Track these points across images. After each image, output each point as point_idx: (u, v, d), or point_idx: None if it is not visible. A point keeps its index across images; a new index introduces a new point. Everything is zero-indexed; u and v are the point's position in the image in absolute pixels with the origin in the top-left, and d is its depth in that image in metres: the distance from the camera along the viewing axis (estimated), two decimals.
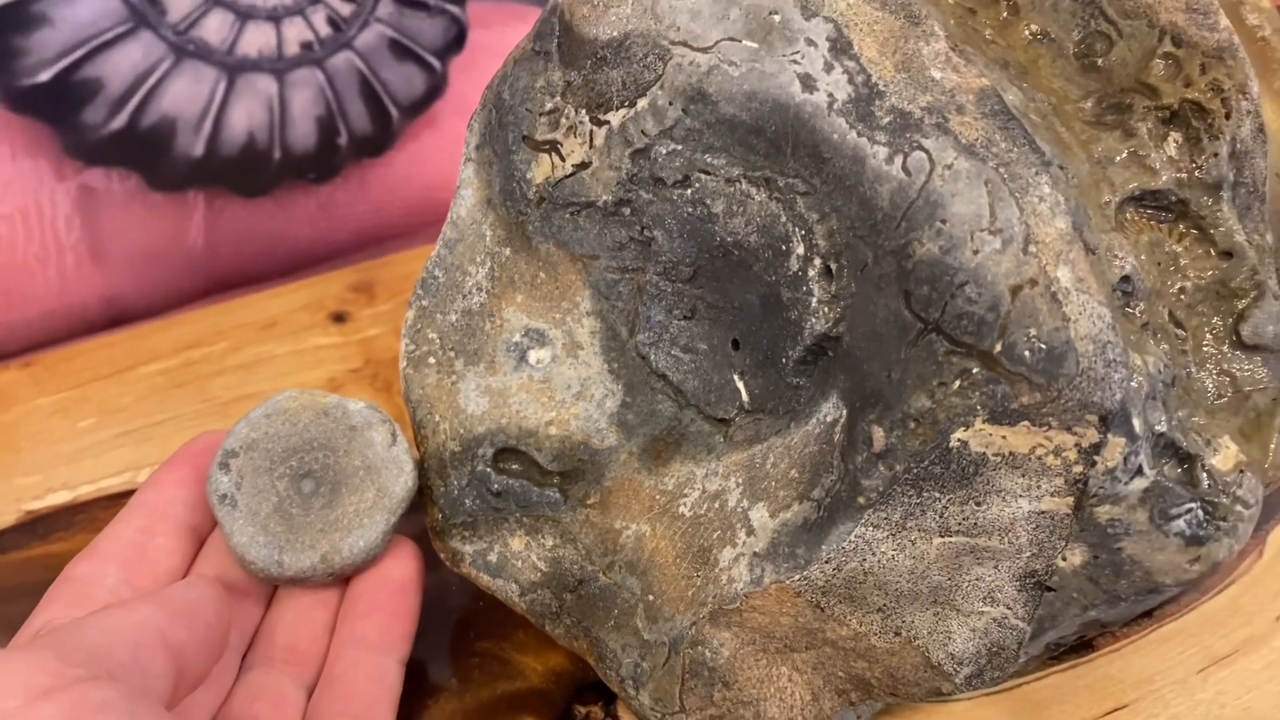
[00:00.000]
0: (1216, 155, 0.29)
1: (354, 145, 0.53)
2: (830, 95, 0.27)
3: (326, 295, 0.50)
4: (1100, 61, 0.31)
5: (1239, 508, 0.26)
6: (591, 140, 0.31)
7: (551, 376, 0.33)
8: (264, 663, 0.32)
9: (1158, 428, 0.26)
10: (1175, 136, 0.30)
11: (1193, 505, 0.26)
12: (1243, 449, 0.27)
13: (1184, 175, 0.29)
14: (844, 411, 0.28)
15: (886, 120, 0.26)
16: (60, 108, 0.46)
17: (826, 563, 0.27)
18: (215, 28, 0.48)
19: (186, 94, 0.48)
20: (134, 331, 0.49)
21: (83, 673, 0.22)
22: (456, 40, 0.53)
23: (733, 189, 0.29)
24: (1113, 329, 0.24)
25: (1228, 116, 0.29)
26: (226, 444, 0.33)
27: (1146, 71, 0.30)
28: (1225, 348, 0.29)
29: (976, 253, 0.25)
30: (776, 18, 0.28)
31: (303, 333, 0.48)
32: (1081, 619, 0.28)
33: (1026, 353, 0.24)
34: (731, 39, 0.29)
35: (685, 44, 0.29)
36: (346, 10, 0.50)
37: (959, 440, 0.25)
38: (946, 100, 0.26)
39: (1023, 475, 0.25)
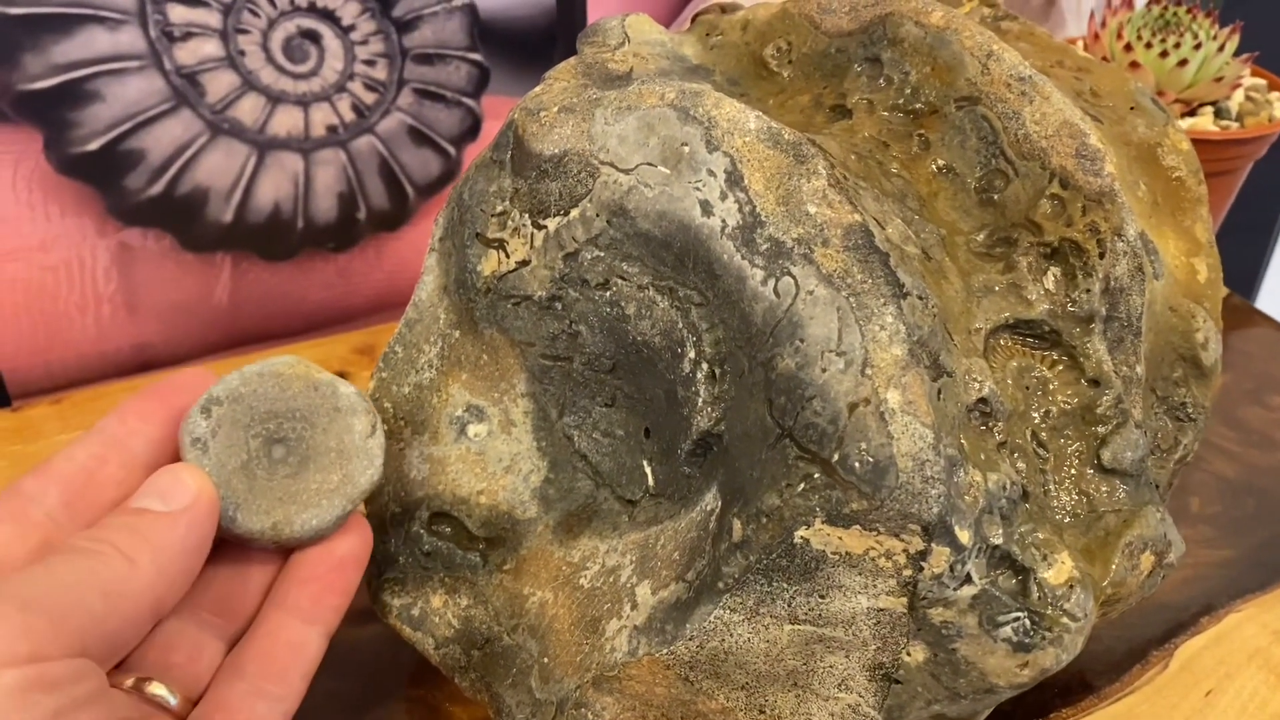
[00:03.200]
0: (1089, 291, 0.32)
1: (372, 219, 0.57)
2: (724, 220, 0.30)
3: (333, 355, 0.55)
4: (997, 197, 0.34)
5: (1066, 620, 0.29)
6: (532, 241, 0.35)
7: (486, 450, 0.36)
8: (190, 610, 0.32)
9: (993, 540, 0.28)
10: (1054, 271, 0.32)
11: (1020, 614, 0.29)
12: (1081, 565, 0.29)
13: (1058, 307, 0.32)
14: (719, 502, 0.30)
15: (765, 247, 0.29)
16: (105, 174, 0.52)
17: (691, 639, 0.30)
18: (249, 109, 0.53)
19: (220, 166, 0.53)
20: (155, 377, 0.53)
21: (49, 640, 0.24)
22: (471, 129, 0.58)
23: (643, 295, 0.33)
24: (934, 448, 0.27)
25: (1101, 256, 0.32)
26: (214, 390, 0.33)
27: (1035, 209, 0.33)
28: (1087, 470, 0.31)
29: (824, 371, 0.27)
30: (686, 149, 0.31)
31: None
32: (928, 712, 0.30)
33: (857, 464, 0.27)
34: (649, 164, 0.32)
35: (612, 164, 0.33)
36: (370, 99, 0.54)
37: (802, 537, 0.28)
38: (815, 233, 0.29)
39: (859, 574, 0.28)
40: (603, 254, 0.33)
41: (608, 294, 0.34)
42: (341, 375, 0.54)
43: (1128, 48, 0.53)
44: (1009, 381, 0.31)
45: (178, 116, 0.52)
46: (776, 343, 0.29)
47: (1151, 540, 0.31)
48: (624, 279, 0.33)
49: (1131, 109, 0.39)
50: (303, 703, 0.33)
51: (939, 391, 0.29)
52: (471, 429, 0.37)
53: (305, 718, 0.33)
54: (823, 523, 0.27)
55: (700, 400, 0.31)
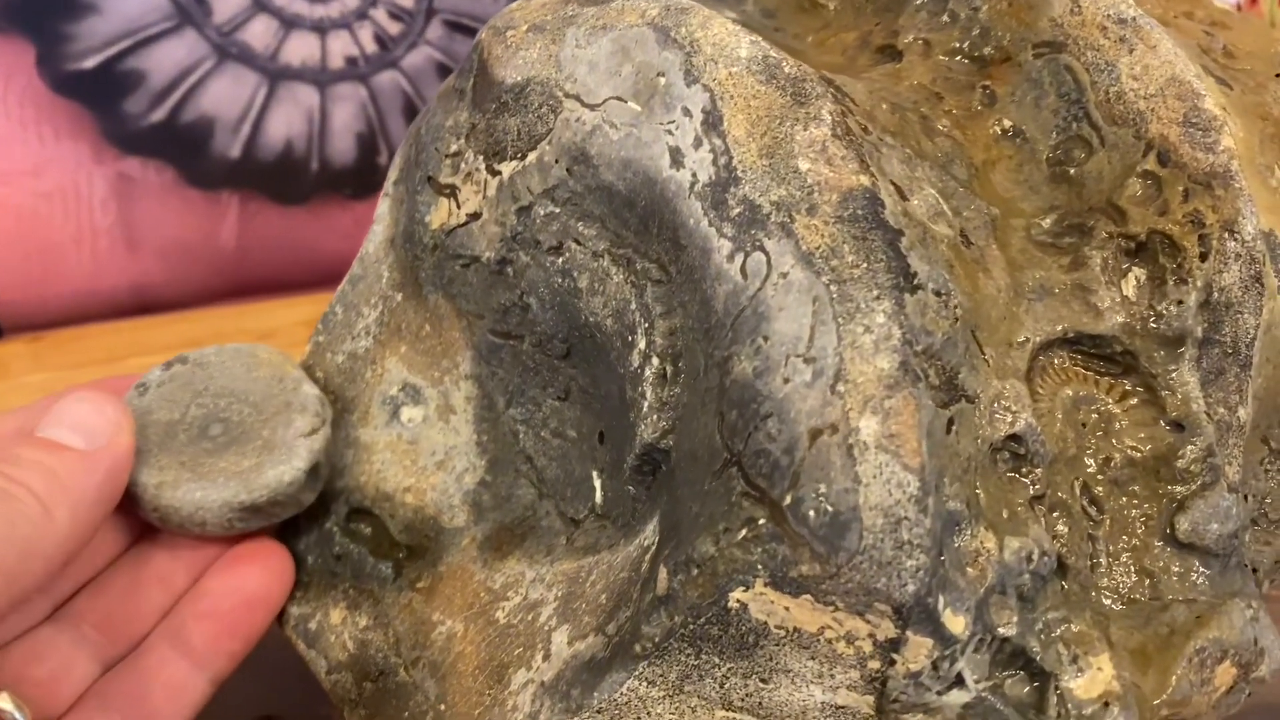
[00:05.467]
0: (1182, 303, 0.24)
1: None
2: (694, 175, 0.23)
3: None
4: (1074, 171, 0.26)
5: None
6: (485, 189, 0.29)
7: (419, 438, 0.30)
8: (70, 620, 0.29)
9: (1002, 629, 0.21)
10: (1137, 273, 0.24)
11: None
12: (1126, 673, 0.22)
13: (1137, 322, 0.24)
14: (658, 539, 0.24)
15: (737, 211, 0.22)
16: (103, 95, 0.47)
17: (599, 712, 0.23)
18: (259, 33, 0.48)
19: (227, 95, 0.48)
20: (139, 323, 0.49)
21: None
22: None
23: (597, 264, 0.26)
24: (917, 503, 0.19)
25: (1204, 257, 0.24)
26: (186, 354, 0.31)
27: (1121, 191, 0.25)
28: (1154, 541, 0.23)
29: (787, 381, 0.20)
30: (662, 80, 0.24)
31: (294, 347, 0.47)
32: None
33: (811, 513, 0.19)
34: (619, 98, 0.25)
35: (578, 98, 0.26)
36: (395, 30, 0.49)
37: (738, 601, 0.21)
38: (802, 197, 0.22)
39: (812, 658, 0.21)
40: (559, 210, 0.27)
41: (560, 260, 0.27)
42: None
43: None
44: (1058, 415, 0.23)
45: (181, 37, 0.47)
46: (736, 338, 0.22)
47: (1235, 646, 0.23)
48: (579, 243, 0.26)
49: (1278, 75, 0.31)
50: None
51: (950, 422, 0.21)
52: (405, 412, 0.31)
53: None
54: (766, 585, 0.20)
55: (646, 405, 0.24)
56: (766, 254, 0.22)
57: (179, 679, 0.28)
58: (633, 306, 0.25)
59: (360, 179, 0.52)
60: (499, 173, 0.28)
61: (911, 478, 0.19)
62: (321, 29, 0.48)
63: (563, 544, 0.27)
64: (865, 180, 0.22)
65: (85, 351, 0.47)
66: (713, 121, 0.23)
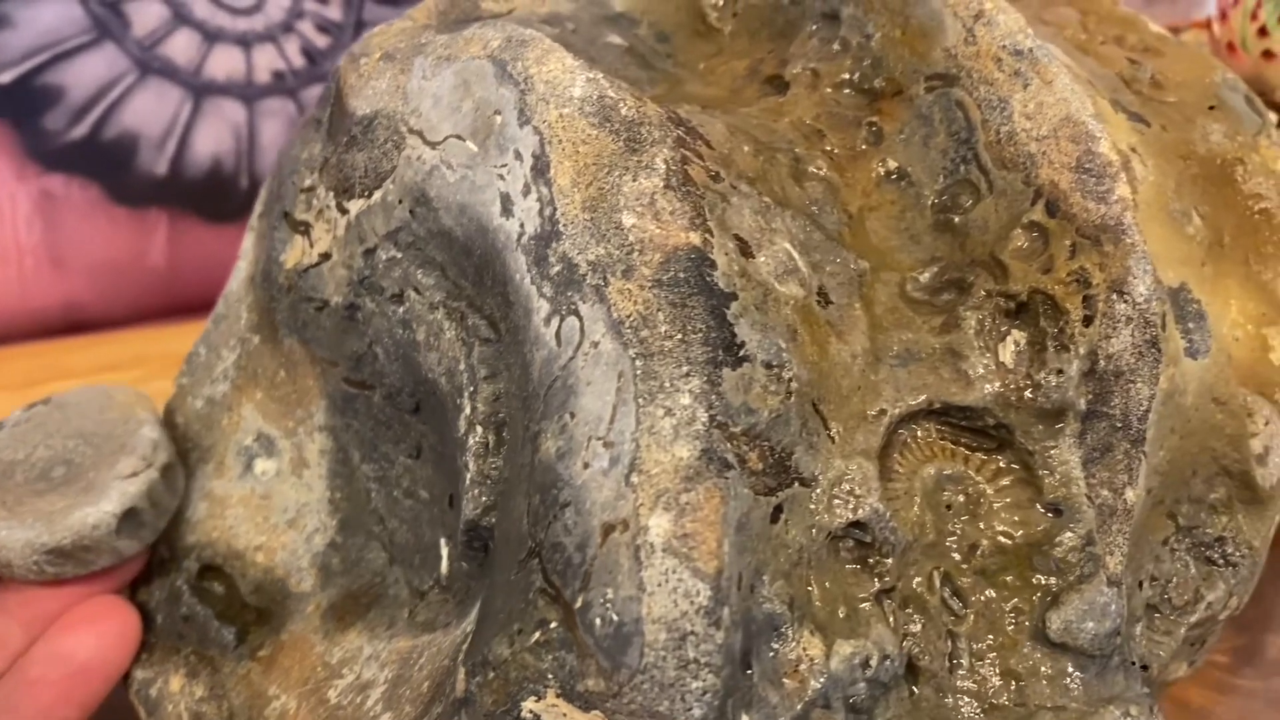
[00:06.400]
0: (1062, 372, 0.21)
1: None
2: (521, 225, 0.21)
3: None
4: (958, 219, 0.23)
5: None
6: (335, 229, 0.27)
7: (273, 493, 0.28)
8: None
9: None
10: (1016, 338, 0.22)
11: None
12: None
13: (1013, 393, 0.21)
14: (474, 628, 0.22)
15: (556, 270, 0.20)
16: (21, 110, 0.46)
17: None
18: (182, 47, 0.46)
19: (150, 111, 0.47)
20: (60, 345, 0.47)
21: None
22: None
23: (433, 317, 0.24)
24: (708, 615, 0.17)
25: (1087, 321, 0.21)
26: (55, 394, 0.30)
27: (1005, 243, 0.23)
28: (1023, 639, 0.21)
29: (587, 467, 0.18)
30: (498, 119, 0.22)
31: None
32: None
33: (598, 620, 0.17)
34: (458, 136, 0.23)
35: (420, 134, 0.24)
36: (322, 43, 0.47)
37: (531, 712, 0.18)
38: (620, 256, 0.19)
39: None
40: (400, 255, 0.25)
41: (401, 310, 0.25)
42: None
43: (1263, 32, 0.41)
44: (916, 497, 0.21)
45: (100, 51, 0.45)
46: (546, 413, 0.19)
47: None
48: (418, 292, 0.24)
49: (1210, 109, 0.28)
50: None
51: (776, 510, 0.19)
52: (259, 464, 0.29)
53: None
54: (558, 696, 0.18)
55: (469, 478, 0.22)
56: (580, 320, 0.19)
57: None
58: (461, 367, 0.23)
59: None
60: (347, 211, 0.26)
61: (703, 586, 0.17)
62: (246, 42, 0.46)
63: (405, 617, 0.25)
64: (695, 238, 0.20)
65: (2, 375, 0.46)
66: (540, 168, 0.21)
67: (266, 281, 0.28)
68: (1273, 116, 0.41)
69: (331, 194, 0.27)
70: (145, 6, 0.44)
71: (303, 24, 0.46)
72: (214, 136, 0.48)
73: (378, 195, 0.25)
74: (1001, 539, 0.21)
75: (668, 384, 0.18)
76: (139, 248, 0.50)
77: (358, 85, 0.26)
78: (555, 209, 0.20)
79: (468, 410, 0.22)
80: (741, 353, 0.19)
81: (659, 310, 0.19)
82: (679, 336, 0.19)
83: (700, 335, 0.19)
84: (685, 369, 0.18)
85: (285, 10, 0.46)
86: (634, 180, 0.20)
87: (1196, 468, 0.24)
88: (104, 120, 0.46)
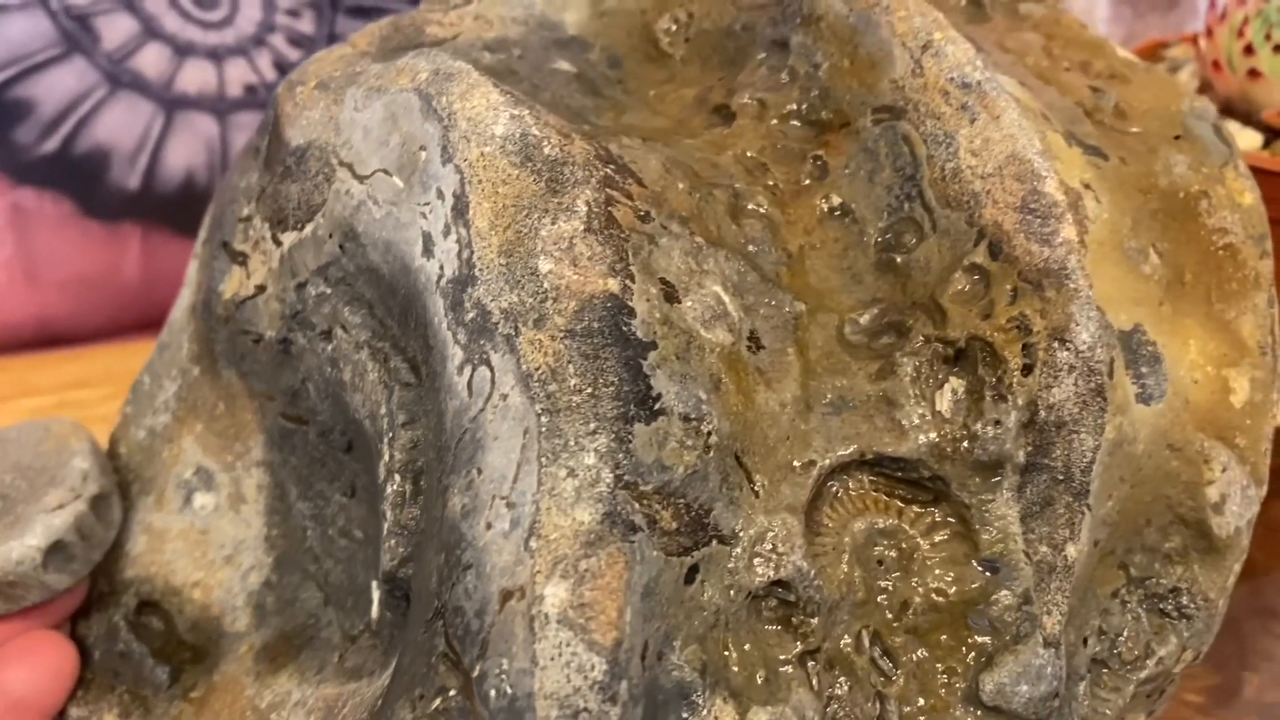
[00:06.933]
0: (1000, 423, 0.20)
1: None
2: (441, 267, 0.21)
3: None
4: (900, 259, 0.23)
5: None
6: (270, 260, 0.26)
7: (211, 528, 0.28)
8: None
9: None
10: (955, 386, 0.21)
11: None
12: None
13: (949, 444, 0.21)
14: (389, 683, 0.21)
15: (471, 316, 0.19)
16: None
17: None
18: (152, 61, 0.45)
19: (122, 125, 0.46)
20: (27, 361, 0.47)
21: None
22: None
23: (358, 357, 0.23)
24: (602, 691, 0.16)
25: (1026, 371, 0.21)
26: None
27: (945, 286, 0.22)
28: (955, 701, 0.20)
29: (489, 528, 0.17)
30: (423, 155, 0.22)
31: None
32: None
33: (493, 693, 0.17)
34: (385, 171, 0.23)
35: (350, 167, 0.23)
36: (295, 56, 0.46)
37: None
38: (533, 304, 0.19)
39: None
40: (330, 291, 0.24)
41: (329, 348, 0.24)
42: None
43: (1248, 50, 0.40)
44: (845, 553, 0.20)
45: (70, 64, 0.45)
46: (455, 466, 0.19)
47: None
48: (345, 330, 0.24)
49: (1176, 138, 0.27)
50: None
51: (691, 571, 0.18)
52: (198, 498, 0.28)
53: None
54: None
55: (386, 527, 0.21)
56: (491, 370, 0.19)
57: None
58: (382, 411, 0.22)
59: None
60: (281, 243, 0.26)
61: (598, 660, 0.16)
62: (217, 56, 0.46)
63: (335, 661, 0.25)
64: (614, 284, 0.19)
65: None
66: (460, 208, 0.20)
67: (206, 312, 0.28)
68: (1257, 138, 0.40)
69: (267, 225, 0.26)
70: (114, 20, 0.44)
71: (274, 37, 0.46)
72: (186, 150, 0.47)
73: (309, 228, 0.25)
74: (935, 596, 0.20)
75: (572, 442, 0.17)
76: (112, 262, 0.49)
77: (293, 114, 0.26)
78: (473, 252, 0.20)
79: (386, 457, 0.22)
80: (657, 406, 0.18)
81: (569, 363, 0.18)
82: (589, 391, 0.18)
83: (612, 389, 0.18)
84: (593, 426, 0.17)
85: (256, 24, 0.45)
86: (553, 223, 0.20)
87: (1150, 517, 0.23)
88: (75, 134, 0.46)
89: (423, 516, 0.21)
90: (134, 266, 0.50)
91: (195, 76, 0.46)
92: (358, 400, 0.23)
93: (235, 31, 0.46)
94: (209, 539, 0.28)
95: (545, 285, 0.19)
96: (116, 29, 0.44)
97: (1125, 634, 0.23)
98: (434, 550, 0.19)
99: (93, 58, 0.45)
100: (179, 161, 0.47)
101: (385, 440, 0.22)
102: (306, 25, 0.46)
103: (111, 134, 0.46)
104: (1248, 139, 0.40)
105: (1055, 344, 0.21)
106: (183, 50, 0.45)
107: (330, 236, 0.24)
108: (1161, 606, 0.24)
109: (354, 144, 0.24)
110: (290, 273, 0.25)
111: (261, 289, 0.26)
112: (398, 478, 0.21)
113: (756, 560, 0.19)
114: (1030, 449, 0.20)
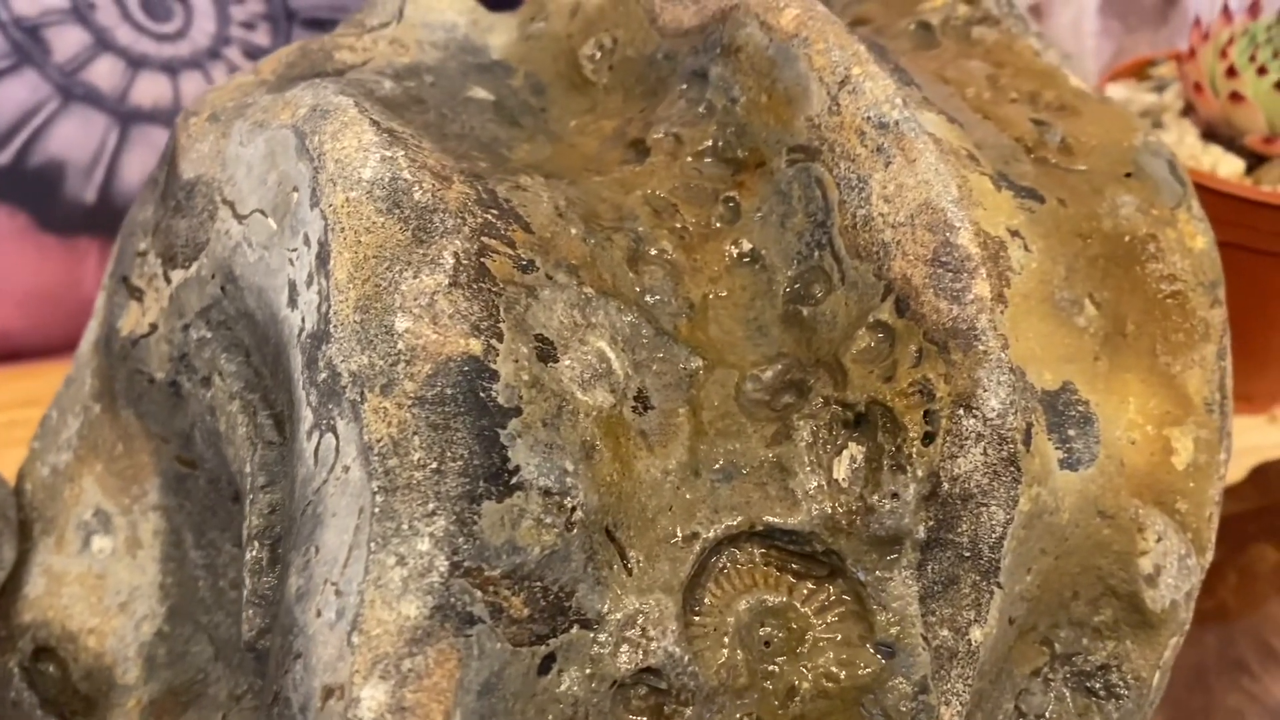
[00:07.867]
0: (897, 496, 0.19)
1: None
2: (303, 319, 0.19)
3: None
4: (807, 312, 0.21)
5: None
6: (161, 298, 0.25)
7: (108, 573, 0.27)
8: None
9: None
10: (854, 453, 0.20)
11: None
12: None
13: (844, 516, 0.19)
14: None
15: (323, 376, 0.18)
16: None
17: None
18: (105, 73, 0.44)
19: (76, 138, 0.45)
20: (17, 370, 0.46)
21: None
22: None
23: (231, 408, 0.22)
24: None
25: (927, 440, 0.19)
26: None
27: (848, 344, 0.20)
28: None
29: (319, 615, 0.16)
30: (295, 196, 0.20)
31: None
32: None
33: None
34: (261, 211, 0.21)
35: (231, 206, 0.22)
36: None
37: None
38: (384, 367, 0.17)
39: None
40: (210, 335, 0.23)
41: (209, 395, 0.23)
42: None
43: (1231, 72, 0.38)
44: (727, 634, 0.19)
45: (21, 77, 0.44)
46: (296, 542, 0.17)
47: None
48: (221, 378, 0.22)
49: (1126, 176, 0.25)
50: None
51: (548, 660, 0.17)
52: (96, 541, 0.27)
53: None
54: None
55: (245, 595, 0.20)
56: (337, 439, 0.17)
57: None
58: (247, 469, 0.21)
59: None
60: (171, 281, 0.24)
61: None
62: (172, 69, 0.44)
63: None
64: (475, 345, 0.18)
65: None
66: (324, 256, 0.19)
67: (106, 348, 0.27)
68: (1239, 164, 0.38)
69: (159, 260, 0.25)
70: (65, 32, 0.43)
71: (230, 50, 0.45)
72: (142, 164, 0.46)
73: (194, 267, 0.23)
74: (825, 682, 0.19)
75: (406, 526, 0.16)
76: (70, 277, 0.49)
77: (186, 147, 0.25)
78: (330, 306, 0.19)
79: (246, 521, 0.20)
80: (514, 480, 0.17)
81: (415, 434, 0.17)
82: (433, 466, 0.17)
83: (460, 464, 0.17)
84: (431, 506, 0.16)
85: (211, 36, 0.44)
86: (415, 277, 0.18)
87: (1078, 589, 0.22)
88: (28, 147, 0.45)
89: (276, 586, 0.20)
90: (92, 281, 0.49)
91: (150, 89, 0.45)
92: (230, 453, 0.22)
93: (190, 44, 0.44)
94: (105, 584, 0.27)
95: (399, 346, 0.18)
96: (67, 41, 0.43)
97: (1048, 715, 0.22)
98: (277, 630, 0.18)
99: (44, 70, 0.44)
100: (136, 175, 0.46)
101: (247, 501, 0.20)
102: (262, 38, 0.45)
103: (66, 147, 0.45)
104: (1230, 165, 0.38)
105: (960, 411, 0.19)
106: (136, 63, 0.44)
107: (213, 277, 0.23)
108: (1089, 685, 0.22)
109: (237, 181, 0.22)
110: (178, 313, 0.24)
111: (154, 327, 0.25)
112: (256, 544, 0.20)
113: (624, 645, 0.18)
114: (932, 523, 0.19)
